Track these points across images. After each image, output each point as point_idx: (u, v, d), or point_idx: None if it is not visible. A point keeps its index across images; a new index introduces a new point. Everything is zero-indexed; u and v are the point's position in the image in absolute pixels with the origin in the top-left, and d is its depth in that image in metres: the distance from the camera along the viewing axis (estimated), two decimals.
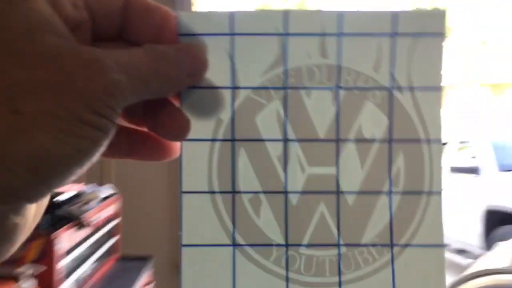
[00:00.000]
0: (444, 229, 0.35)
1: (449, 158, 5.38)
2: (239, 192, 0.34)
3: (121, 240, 2.03)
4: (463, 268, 1.57)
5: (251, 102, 0.34)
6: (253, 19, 0.34)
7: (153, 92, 0.30)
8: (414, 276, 0.34)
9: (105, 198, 1.95)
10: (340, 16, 0.34)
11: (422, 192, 0.34)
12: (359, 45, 0.34)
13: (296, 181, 0.34)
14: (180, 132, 0.32)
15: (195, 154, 0.34)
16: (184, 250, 0.34)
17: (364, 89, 0.34)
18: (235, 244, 0.34)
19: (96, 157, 0.27)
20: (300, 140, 0.34)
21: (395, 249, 0.34)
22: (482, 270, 1.13)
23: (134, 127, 0.34)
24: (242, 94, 0.34)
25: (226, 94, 0.34)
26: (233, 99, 0.34)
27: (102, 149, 0.28)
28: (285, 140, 0.34)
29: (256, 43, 0.34)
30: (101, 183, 2.12)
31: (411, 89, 0.34)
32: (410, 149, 0.34)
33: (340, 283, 0.34)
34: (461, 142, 5.44)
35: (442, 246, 0.34)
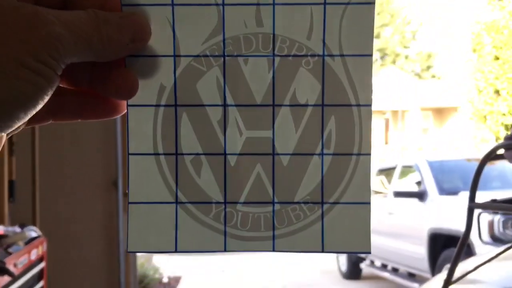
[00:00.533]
0: (371, 188, 0.37)
1: (393, 183, 5.50)
2: (181, 154, 0.37)
3: (47, 286, 1.93)
4: None
5: (192, 69, 0.36)
6: None
7: (96, 53, 0.31)
8: (342, 231, 0.37)
9: (30, 240, 1.85)
10: None
11: (352, 154, 0.37)
12: (293, 14, 0.36)
13: (235, 143, 0.36)
14: (131, 89, 0.34)
15: (140, 119, 0.36)
16: (131, 207, 0.36)
17: (298, 56, 0.36)
18: (177, 202, 0.37)
19: (39, 104, 0.30)
20: (238, 105, 0.36)
21: (325, 206, 0.37)
22: None
23: (81, 90, 0.35)
24: (183, 62, 0.36)
25: (168, 62, 0.36)
26: (175, 66, 0.36)
27: (46, 97, 0.30)
28: (224, 106, 0.36)
29: (196, 13, 0.36)
30: (22, 225, 2.01)
31: (342, 56, 0.36)
32: (341, 113, 0.36)
33: (273, 237, 0.37)
34: (404, 167, 5.57)
35: (368, 203, 0.37)
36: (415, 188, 5.11)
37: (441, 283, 1.34)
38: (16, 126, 0.30)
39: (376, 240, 5.40)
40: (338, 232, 0.37)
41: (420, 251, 4.82)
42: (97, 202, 2.65)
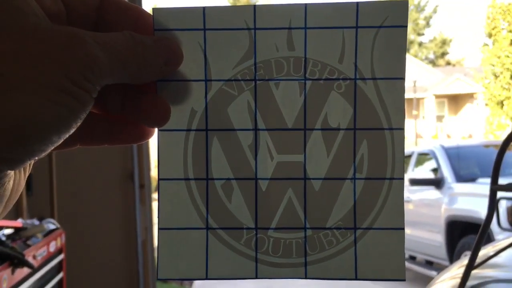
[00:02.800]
0: (404, 213, 0.36)
1: (408, 170, 5.46)
2: (212, 179, 0.36)
3: (66, 277, 1.95)
4: (431, 280, 1.56)
5: (223, 93, 0.36)
6: (224, 14, 0.35)
7: (131, 75, 0.31)
8: (375, 257, 0.36)
9: (48, 233, 1.87)
10: (305, 9, 0.35)
11: (385, 178, 0.36)
12: (324, 37, 0.36)
13: (266, 168, 0.36)
14: (162, 117, 0.34)
15: (171, 144, 0.36)
16: (161, 233, 0.36)
17: (330, 80, 0.36)
18: (208, 227, 0.36)
19: (73, 128, 0.29)
20: (269, 129, 0.36)
21: (358, 232, 0.36)
22: None
23: (111, 116, 0.35)
24: (214, 86, 0.36)
25: (200, 86, 0.36)
26: (206, 91, 0.36)
27: (79, 121, 0.29)
28: (255, 130, 0.36)
29: (227, 38, 0.35)
30: (41, 218, 2.03)
31: (374, 79, 0.36)
32: (373, 137, 0.36)
33: (305, 263, 0.36)
34: (420, 154, 5.52)
35: (402, 229, 0.36)
36: (431, 176, 5.06)
37: (460, 270, 1.33)
38: (48, 151, 0.29)
39: None
40: (371, 259, 0.36)
41: (437, 239, 4.78)
42: (113, 194, 2.67)
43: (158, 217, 0.36)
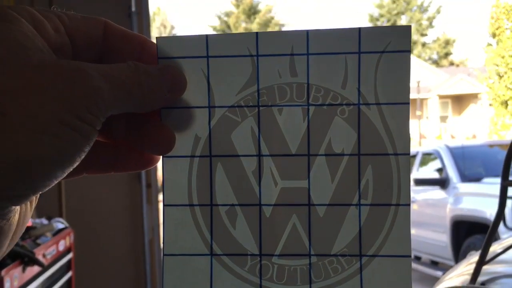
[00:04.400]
0: (410, 240, 0.36)
1: (413, 170, 5.45)
2: (216, 205, 0.36)
3: (75, 275, 1.96)
4: (437, 280, 1.56)
5: (227, 120, 0.36)
6: (227, 41, 0.36)
7: (136, 104, 0.31)
8: (382, 286, 0.36)
9: (57, 232, 1.88)
10: (307, 36, 0.35)
11: (391, 204, 0.36)
12: (327, 63, 0.35)
13: (270, 194, 0.36)
14: (167, 145, 0.35)
15: (175, 170, 0.36)
16: (166, 259, 0.36)
17: (333, 105, 0.36)
18: (212, 254, 0.36)
19: (77, 162, 0.29)
20: (273, 155, 0.36)
21: (364, 259, 0.36)
22: None
23: (116, 144, 0.35)
24: (218, 113, 0.36)
25: (203, 113, 0.36)
26: (210, 117, 0.36)
27: (83, 154, 0.29)
28: (259, 156, 0.36)
29: (230, 65, 0.36)
30: (49, 217, 2.04)
31: (378, 104, 0.35)
32: (378, 162, 0.36)
33: None
34: (425, 154, 5.52)
35: (408, 256, 0.35)
36: (436, 176, 5.05)
37: (468, 268, 1.33)
38: (52, 185, 0.29)
39: None
40: (377, 287, 0.36)
41: (442, 239, 4.78)
42: (121, 194, 2.68)
43: (163, 243, 0.36)
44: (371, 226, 0.36)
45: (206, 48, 0.35)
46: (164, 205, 0.36)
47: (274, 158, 0.36)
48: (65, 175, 0.29)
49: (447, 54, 26.52)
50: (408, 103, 0.35)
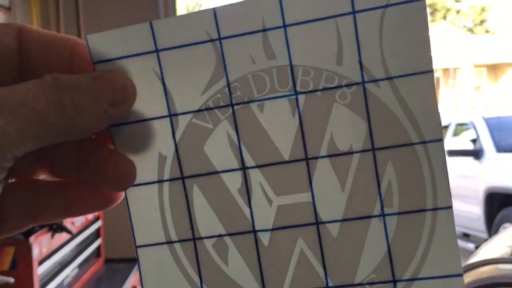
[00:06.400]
0: (459, 253, 0.27)
1: (446, 141, 5.34)
2: (200, 238, 0.29)
3: (104, 243, 1.97)
4: (469, 252, 1.52)
5: (195, 129, 0.28)
6: (178, 27, 0.27)
7: (60, 132, 0.24)
8: None
9: None
10: (279, 0, 0.26)
11: (426, 210, 0.27)
12: (312, 34, 0.27)
13: (265, 216, 0.28)
14: (125, 180, 0.27)
15: (143, 202, 0.29)
16: None
17: (329, 89, 0.27)
18: None
19: None
20: (261, 166, 0.28)
21: (399, 285, 0.27)
22: (482, 261, 1.06)
23: (67, 181, 0.28)
24: (182, 122, 0.28)
25: (164, 124, 0.28)
26: (173, 128, 0.28)
27: None
28: (243, 169, 0.28)
29: (188, 56, 0.27)
30: None
31: (390, 79, 0.27)
32: (400, 156, 0.27)
33: None
34: (458, 125, 5.39)
35: (459, 275, 0.27)
36: (470, 147, 4.94)
37: (505, 241, 1.27)
38: None
39: None
40: None
41: (475, 211, 4.69)
42: None
43: None
44: (403, 241, 0.27)
45: (153, 39, 0.27)
46: (136, 247, 0.29)
47: (262, 169, 0.28)
48: None
49: (482, 22, 25.68)
50: (432, 71, 0.26)
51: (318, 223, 0.28)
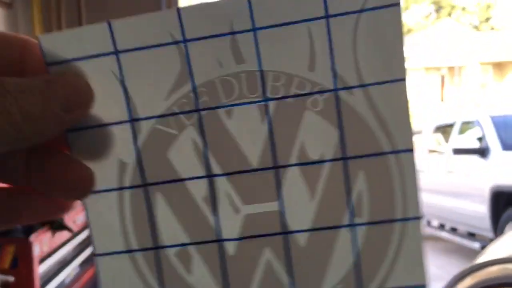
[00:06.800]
0: (425, 263, 0.27)
1: (452, 140, 5.31)
2: (163, 246, 0.28)
3: None
4: (474, 251, 1.50)
5: (158, 134, 0.27)
6: (139, 27, 0.26)
7: (11, 140, 0.23)
8: None
9: None
10: (249, 2, 0.26)
11: (395, 220, 0.27)
12: (283, 38, 0.26)
13: (231, 225, 0.28)
14: (81, 189, 0.26)
15: (102, 210, 0.28)
16: None
17: (301, 96, 0.26)
18: None
19: None
20: (228, 174, 0.27)
21: None
22: (490, 260, 1.04)
23: (15, 187, 0.27)
24: (144, 127, 0.27)
25: (124, 130, 0.27)
26: (135, 134, 0.27)
27: None
28: (210, 177, 0.27)
29: (151, 59, 0.26)
30: None
31: (363, 86, 0.26)
32: (372, 166, 0.27)
33: None
34: (464, 123, 5.36)
35: (424, 286, 0.27)
36: (476, 145, 4.91)
37: (509, 242, 1.25)
38: None
39: (433, 200, 5.27)
40: None
41: (481, 210, 4.66)
42: None
43: None
44: (371, 251, 0.27)
45: (112, 40, 0.26)
46: (95, 255, 0.28)
47: (230, 177, 0.27)
48: None
49: (487, 19, 25.59)
50: (405, 79, 0.26)
51: (286, 232, 0.27)
